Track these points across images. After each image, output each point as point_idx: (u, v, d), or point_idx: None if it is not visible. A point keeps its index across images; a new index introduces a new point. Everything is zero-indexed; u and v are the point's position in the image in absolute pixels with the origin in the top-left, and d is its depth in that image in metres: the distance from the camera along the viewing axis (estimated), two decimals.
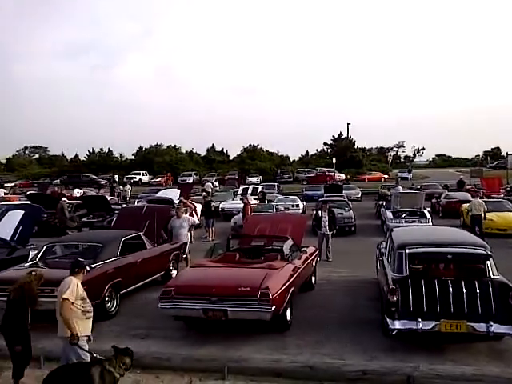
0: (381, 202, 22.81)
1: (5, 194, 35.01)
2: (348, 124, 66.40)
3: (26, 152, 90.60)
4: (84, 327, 5.34)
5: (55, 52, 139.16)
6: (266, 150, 71.47)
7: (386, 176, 54.64)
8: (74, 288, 5.27)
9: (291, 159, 72.15)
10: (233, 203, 24.77)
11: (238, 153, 71.41)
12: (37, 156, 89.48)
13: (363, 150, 70.19)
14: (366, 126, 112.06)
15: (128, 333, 7.56)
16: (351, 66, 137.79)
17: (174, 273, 10.77)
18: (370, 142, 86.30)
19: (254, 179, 49.59)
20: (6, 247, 10.59)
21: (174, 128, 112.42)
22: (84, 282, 7.50)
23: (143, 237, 10.21)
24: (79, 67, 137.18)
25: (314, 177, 49.61)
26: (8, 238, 10.83)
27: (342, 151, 63.98)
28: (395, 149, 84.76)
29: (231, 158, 72.00)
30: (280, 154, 72.15)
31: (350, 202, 21.89)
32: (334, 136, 70.94)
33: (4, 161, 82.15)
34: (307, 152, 74.46)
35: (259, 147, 71.30)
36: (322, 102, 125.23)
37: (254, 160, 66.29)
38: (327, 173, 51.41)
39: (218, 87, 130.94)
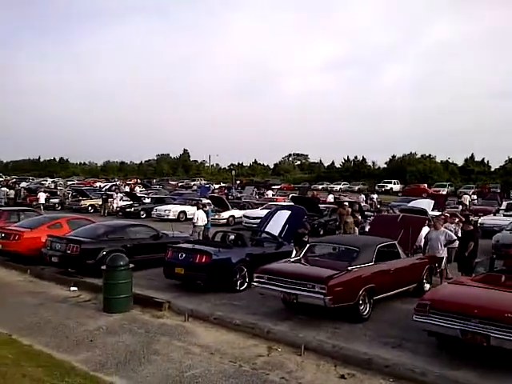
0: None
1: (272, 195, 39.68)
2: None
3: (290, 159, 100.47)
4: None
5: (316, 66, 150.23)
6: None
7: None
8: None
9: None
10: (495, 219, 22.34)
11: (502, 163, 63.83)
12: (298, 162, 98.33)
13: None
14: None
15: (380, 340, 7.65)
16: None
17: (427, 286, 10.41)
18: None
19: None
20: (275, 242, 12.01)
21: (429, 137, 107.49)
22: (340, 283, 8.06)
23: (398, 246, 10.18)
24: (337, 79, 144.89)
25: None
26: (276, 234, 12.29)
27: None
28: None
29: (493, 169, 64.81)
30: None
31: None
32: None
33: (272, 166, 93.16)
34: None
35: None
36: None
37: None
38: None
39: (479, 93, 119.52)
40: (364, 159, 76.27)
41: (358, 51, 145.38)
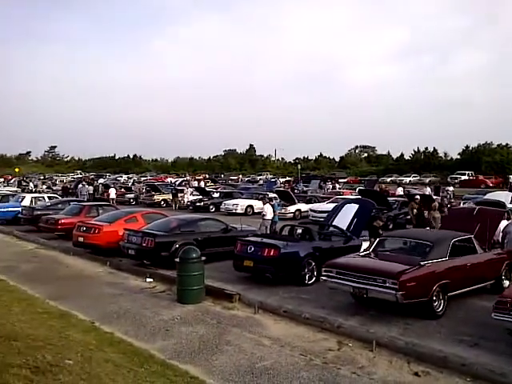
0: None
1: (339, 188, 39.18)
2: None
3: (357, 151, 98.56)
4: None
5: (383, 55, 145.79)
6: None
7: None
8: None
9: None
10: None
11: None
12: (365, 155, 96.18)
13: None
14: None
15: (455, 337, 7.39)
16: None
17: (506, 283, 9.85)
18: None
19: None
20: (343, 236, 11.88)
21: (506, 125, 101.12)
22: (412, 279, 7.85)
23: (474, 240, 9.73)
24: (406, 67, 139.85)
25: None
26: (344, 228, 12.15)
27: None
28: None
29: None
30: None
31: None
32: None
33: (338, 159, 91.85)
34: None
35: None
36: None
37: None
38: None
39: None
40: (435, 150, 73.31)
41: (427, 38, 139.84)
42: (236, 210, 25.79)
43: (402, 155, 78.57)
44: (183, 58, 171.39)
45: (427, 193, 28.32)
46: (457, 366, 6.08)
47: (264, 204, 17.55)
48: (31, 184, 44.25)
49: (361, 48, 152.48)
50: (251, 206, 26.26)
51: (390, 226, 19.64)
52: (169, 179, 57.82)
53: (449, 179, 51.10)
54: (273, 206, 17.71)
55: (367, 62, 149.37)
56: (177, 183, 43.92)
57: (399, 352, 6.60)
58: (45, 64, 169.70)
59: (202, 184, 41.98)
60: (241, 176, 68.81)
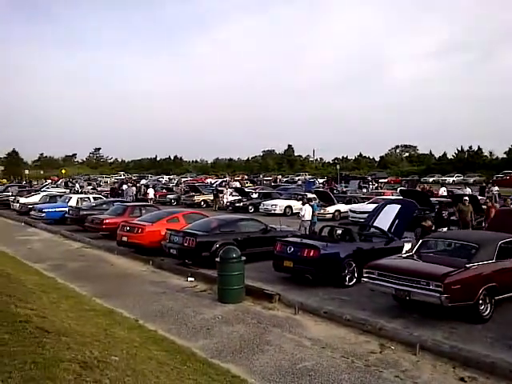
0: None
1: (380, 188, 38.54)
2: None
3: (397, 151, 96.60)
4: None
5: (426, 53, 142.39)
6: None
7: None
8: None
9: None
10: None
11: None
12: (406, 154, 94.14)
13: None
14: None
15: (503, 342, 7.14)
16: None
17: None
18: None
19: None
20: (384, 237, 11.68)
21: None
22: (457, 281, 7.64)
23: None
24: (448, 64, 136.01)
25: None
26: (386, 229, 11.94)
27: None
28: None
29: None
30: None
31: None
32: None
33: (378, 158, 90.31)
34: None
35: None
36: None
37: None
38: None
39: None
40: (480, 149, 70.93)
41: (472, 35, 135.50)
42: (275, 210, 25.79)
43: (444, 154, 76.62)
44: (223, 60, 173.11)
45: (467, 193, 27.44)
46: (505, 372, 5.89)
47: (303, 205, 17.46)
48: (77, 185, 45.74)
49: (401, 47, 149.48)
50: (290, 207, 26.21)
51: (433, 227, 19.07)
52: (208, 180, 58.49)
53: (494, 179, 49.24)
54: (312, 206, 17.59)
55: (407, 61, 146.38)
56: (217, 184, 44.34)
57: (444, 356, 6.45)
58: (88, 68, 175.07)
59: (238, 184, 42.26)
60: (279, 176, 68.64)
